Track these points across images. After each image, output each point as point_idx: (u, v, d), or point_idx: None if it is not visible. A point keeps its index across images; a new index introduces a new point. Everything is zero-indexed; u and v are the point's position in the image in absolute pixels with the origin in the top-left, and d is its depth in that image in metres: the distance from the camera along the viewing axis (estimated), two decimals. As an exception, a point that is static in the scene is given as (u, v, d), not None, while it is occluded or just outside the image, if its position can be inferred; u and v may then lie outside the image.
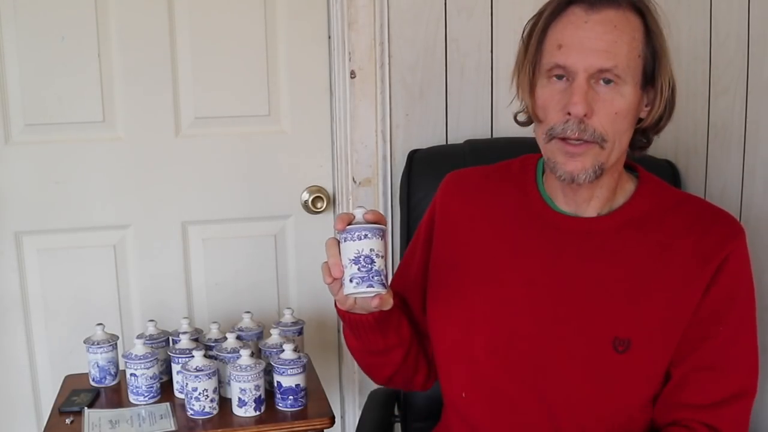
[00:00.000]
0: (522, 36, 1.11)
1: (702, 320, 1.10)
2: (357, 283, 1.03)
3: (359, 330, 1.17)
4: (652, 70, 1.06)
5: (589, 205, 1.14)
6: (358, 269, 1.03)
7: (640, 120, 1.10)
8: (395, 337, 1.20)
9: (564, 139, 1.05)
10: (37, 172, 1.80)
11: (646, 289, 1.10)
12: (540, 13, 1.08)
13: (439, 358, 1.22)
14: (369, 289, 1.04)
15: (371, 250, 1.03)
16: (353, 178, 1.83)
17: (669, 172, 1.67)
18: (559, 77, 1.05)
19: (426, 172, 1.70)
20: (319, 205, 1.92)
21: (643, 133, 1.12)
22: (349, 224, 1.03)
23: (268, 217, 1.94)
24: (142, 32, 1.79)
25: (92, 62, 1.77)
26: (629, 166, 1.18)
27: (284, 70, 1.88)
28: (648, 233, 1.12)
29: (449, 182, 1.27)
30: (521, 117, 1.18)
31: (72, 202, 1.83)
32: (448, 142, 1.84)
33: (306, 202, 1.93)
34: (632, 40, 1.04)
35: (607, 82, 1.03)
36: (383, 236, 1.05)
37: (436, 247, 1.23)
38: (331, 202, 1.95)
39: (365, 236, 1.03)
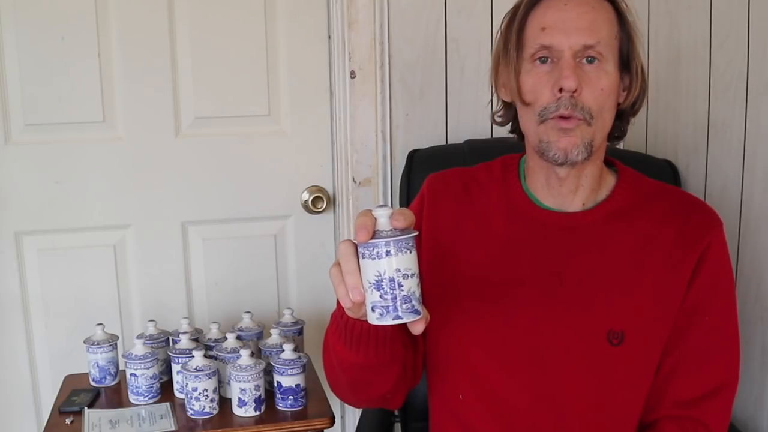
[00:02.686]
0: (500, 29, 1.14)
1: (688, 310, 1.11)
2: (381, 314, 0.83)
3: (367, 341, 1.00)
4: (627, 53, 1.10)
5: (575, 197, 1.15)
6: (381, 297, 0.82)
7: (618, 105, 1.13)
8: (401, 346, 1.07)
9: (556, 118, 1.07)
10: (37, 172, 1.80)
11: (635, 280, 1.11)
12: (517, 5, 1.12)
13: (435, 360, 1.21)
14: (397, 321, 0.84)
15: (397, 270, 0.81)
16: (353, 178, 1.83)
17: (669, 172, 1.67)
18: (543, 60, 1.07)
19: (426, 172, 1.68)
20: (319, 205, 1.92)
21: (619, 118, 1.14)
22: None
23: (268, 217, 1.94)
24: (142, 32, 1.79)
25: (92, 62, 1.77)
26: (608, 162, 1.20)
27: (284, 70, 1.88)
28: (632, 224, 1.14)
29: (433, 183, 1.26)
30: (499, 117, 1.21)
31: (72, 202, 1.83)
32: (448, 142, 1.83)
33: (306, 202, 1.93)
34: (610, 21, 1.08)
35: (591, 60, 1.06)
36: (414, 246, 0.83)
37: (426, 249, 1.21)
38: (331, 202, 1.95)
39: (388, 253, 0.81)
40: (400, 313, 0.83)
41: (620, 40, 1.09)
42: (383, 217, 0.83)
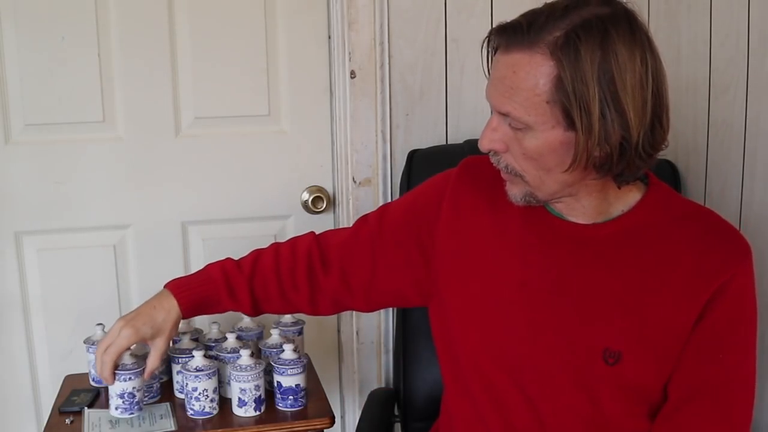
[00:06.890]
0: None
1: (702, 344, 1.06)
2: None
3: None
4: (585, 110, 0.96)
5: (577, 218, 1.12)
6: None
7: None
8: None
9: None
10: (37, 172, 1.80)
11: (641, 302, 1.07)
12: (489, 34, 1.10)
13: (440, 349, 1.23)
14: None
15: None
16: (353, 178, 1.83)
17: (669, 172, 1.67)
18: None
19: (426, 172, 1.69)
20: (319, 205, 1.92)
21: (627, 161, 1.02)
22: None
23: (268, 217, 1.94)
24: (142, 32, 1.79)
25: (92, 62, 1.77)
26: (644, 175, 1.15)
27: (284, 70, 1.88)
28: (649, 244, 1.09)
29: (465, 168, 1.24)
30: None
31: (72, 202, 1.83)
32: (448, 142, 1.84)
33: (306, 202, 1.93)
34: (534, 86, 0.97)
35: (514, 125, 1.02)
36: None
37: (442, 234, 1.21)
38: (331, 202, 1.95)
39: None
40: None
41: (561, 102, 0.96)
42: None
